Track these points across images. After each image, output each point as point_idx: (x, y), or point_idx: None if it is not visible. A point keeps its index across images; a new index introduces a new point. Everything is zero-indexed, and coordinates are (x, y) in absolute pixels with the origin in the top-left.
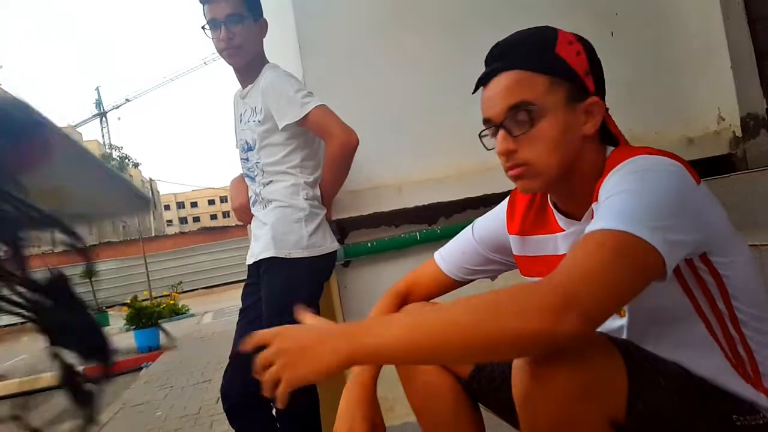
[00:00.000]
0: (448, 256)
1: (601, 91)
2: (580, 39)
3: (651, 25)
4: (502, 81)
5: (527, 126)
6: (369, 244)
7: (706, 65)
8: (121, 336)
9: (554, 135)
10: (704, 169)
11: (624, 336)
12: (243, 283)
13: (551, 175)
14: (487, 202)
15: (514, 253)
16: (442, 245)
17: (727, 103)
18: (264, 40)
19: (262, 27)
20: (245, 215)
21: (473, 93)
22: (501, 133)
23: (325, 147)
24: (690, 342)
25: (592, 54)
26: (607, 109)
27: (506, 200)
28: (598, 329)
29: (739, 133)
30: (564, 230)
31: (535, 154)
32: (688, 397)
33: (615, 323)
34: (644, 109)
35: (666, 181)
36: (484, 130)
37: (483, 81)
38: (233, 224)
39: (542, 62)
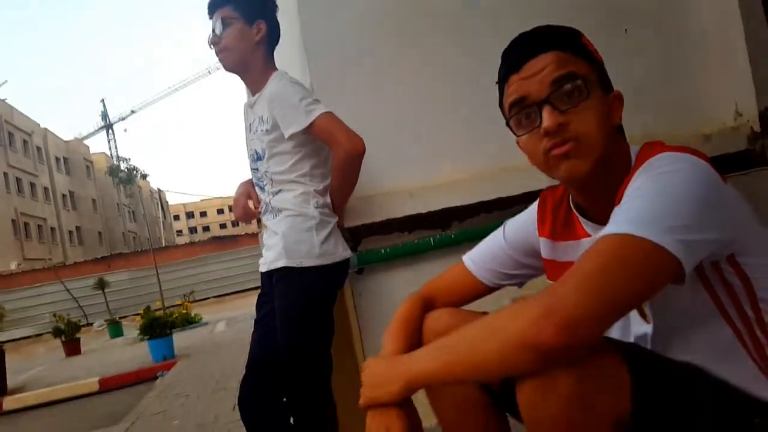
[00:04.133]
0: (479, 259)
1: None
2: None
3: (664, 20)
4: (542, 61)
5: (577, 98)
6: (382, 251)
7: (722, 60)
8: (135, 346)
9: (602, 111)
10: (722, 165)
11: (649, 342)
12: (254, 292)
13: (598, 156)
14: (502, 205)
15: (543, 256)
16: (457, 250)
17: (745, 98)
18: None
19: (259, 29)
20: (241, 210)
21: (496, 82)
22: (546, 108)
23: (332, 154)
24: (716, 347)
25: None
26: None
27: (536, 202)
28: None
29: (757, 128)
30: (590, 235)
31: (587, 127)
32: (701, 399)
33: (640, 329)
34: (659, 105)
35: (689, 178)
36: (512, 116)
37: (515, 66)
38: (243, 233)
39: (578, 47)
